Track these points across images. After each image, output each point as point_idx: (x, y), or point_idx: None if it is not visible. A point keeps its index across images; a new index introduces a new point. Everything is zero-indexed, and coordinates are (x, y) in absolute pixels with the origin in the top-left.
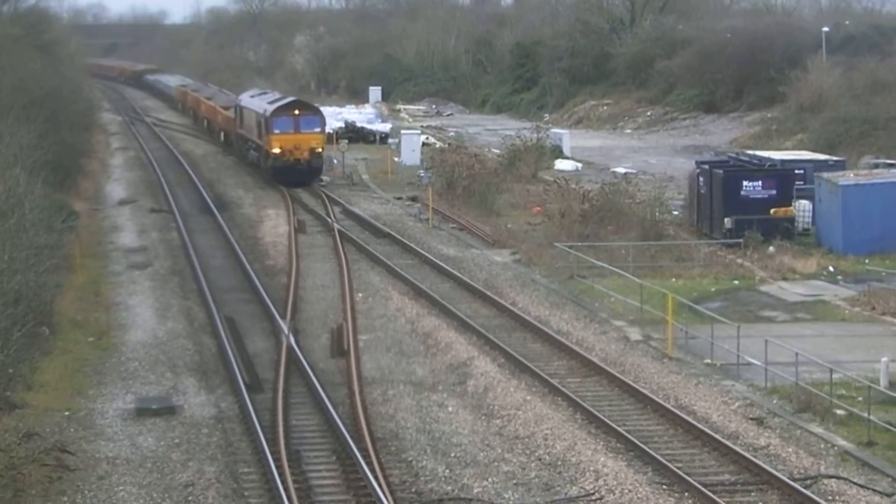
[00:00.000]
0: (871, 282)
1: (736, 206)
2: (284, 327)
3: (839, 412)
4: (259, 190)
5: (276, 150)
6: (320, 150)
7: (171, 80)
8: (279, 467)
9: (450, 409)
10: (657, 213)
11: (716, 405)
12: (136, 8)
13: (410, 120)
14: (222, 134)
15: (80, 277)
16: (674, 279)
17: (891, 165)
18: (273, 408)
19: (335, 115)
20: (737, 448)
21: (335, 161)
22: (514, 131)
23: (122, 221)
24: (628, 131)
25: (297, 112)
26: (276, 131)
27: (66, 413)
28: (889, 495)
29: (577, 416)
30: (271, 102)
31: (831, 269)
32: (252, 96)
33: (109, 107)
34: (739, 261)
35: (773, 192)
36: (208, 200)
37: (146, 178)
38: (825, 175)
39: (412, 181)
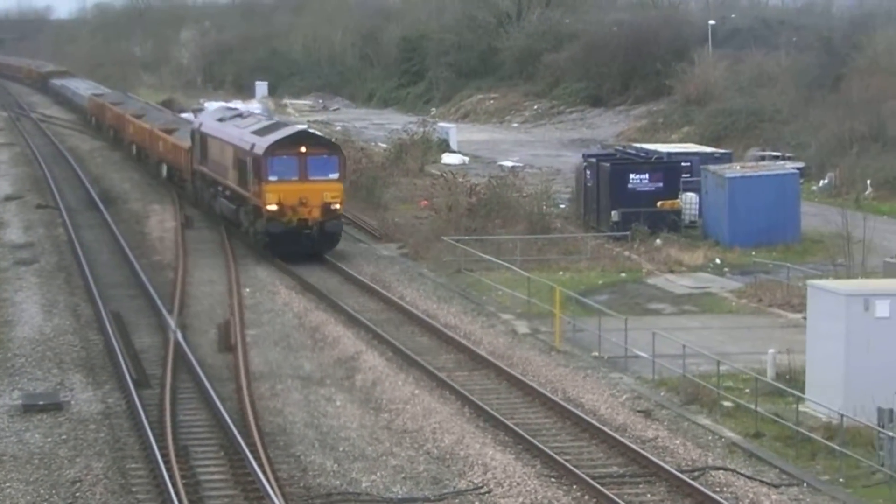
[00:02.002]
0: (758, 274)
1: (623, 199)
2: (172, 323)
3: (726, 404)
4: (146, 185)
5: (273, 207)
6: (338, 205)
7: (83, 88)
8: (167, 463)
9: (338, 403)
10: (544, 207)
11: (603, 398)
12: (21, 3)
13: (297, 115)
14: (165, 168)
15: None
16: (561, 272)
17: (776, 158)
18: (161, 403)
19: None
20: (624, 440)
21: None
22: (401, 125)
23: (7, 217)
24: (515, 125)
25: (303, 150)
26: (273, 178)
27: None
28: (776, 486)
29: (466, 410)
30: (263, 132)
31: (718, 261)
32: (223, 119)
33: None
34: (626, 253)
35: (660, 184)
36: (94, 196)
37: (32, 174)
38: (711, 168)
39: None
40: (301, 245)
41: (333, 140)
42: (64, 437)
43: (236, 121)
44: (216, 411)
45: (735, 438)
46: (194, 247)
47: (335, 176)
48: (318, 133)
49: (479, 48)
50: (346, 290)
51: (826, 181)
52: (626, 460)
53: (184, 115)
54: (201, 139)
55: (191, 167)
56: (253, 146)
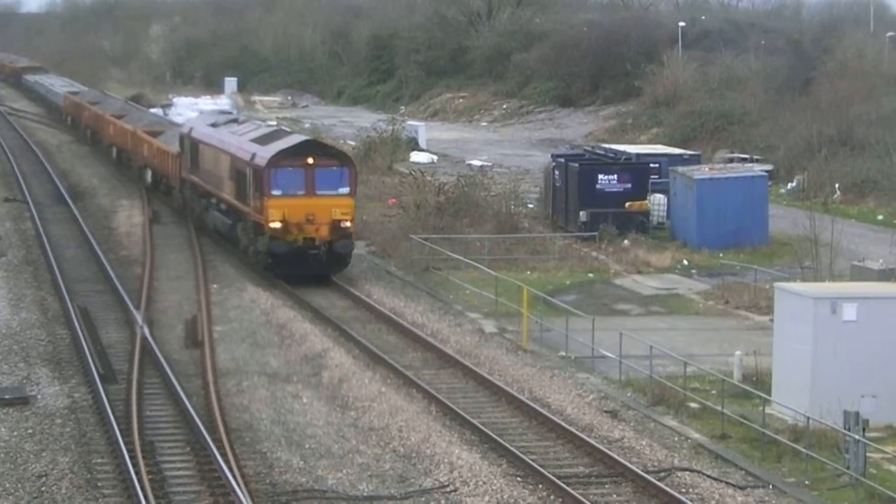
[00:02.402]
0: (725, 276)
1: (591, 200)
2: (139, 318)
3: (693, 405)
4: (114, 180)
5: (276, 224)
6: (348, 223)
7: (58, 85)
8: (133, 458)
9: (304, 400)
10: (512, 206)
11: (570, 398)
12: None
13: (266, 111)
14: (149, 174)
15: None
16: (529, 272)
17: (745, 160)
18: (127, 398)
19: (190, 106)
20: (591, 440)
21: None
22: (370, 123)
23: None
24: (484, 124)
25: (311, 161)
26: (277, 192)
27: None
28: (742, 488)
29: (432, 408)
30: (264, 141)
31: (685, 262)
32: (216, 125)
33: None
34: (594, 254)
35: (629, 185)
36: (63, 190)
37: (0, 168)
38: (680, 169)
39: None
40: (307, 266)
41: (343, 150)
42: (30, 431)
43: (232, 126)
44: (183, 407)
45: (701, 440)
46: (162, 242)
47: (345, 190)
48: (327, 143)
49: (450, 47)
50: (313, 288)
51: (794, 184)
52: (592, 460)
53: (153, 111)
54: (192, 145)
55: (179, 175)
56: (254, 156)
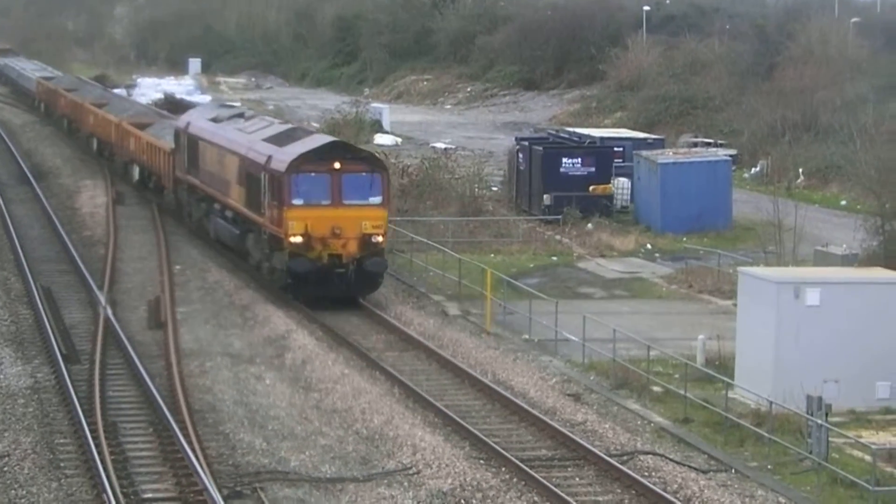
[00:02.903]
0: (689, 260)
1: (555, 183)
2: (102, 299)
3: (656, 389)
4: (77, 161)
5: (297, 239)
6: (381, 238)
7: (29, 69)
8: (95, 439)
9: (267, 381)
10: (476, 189)
11: (533, 381)
12: None
13: (230, 92)
14: (137, 170)
15: None
16: (492, 255)
17: (709, 145)
18: (90, 379)
19: (154, 87)
20: (554, 424)
21: None
22: (334, 105)
23: None
24: (448, 107)
25: (337, 166)
26: (298, 202)
27: None
28: (704, 472)
29: (395, 391)
30: (281, 141)
31: (649, 246)
32: (218, 119)
33: None
34: (558, 237)
35: (592, 169)
36: (26, 170)
37: None
38: (644, 153)
39: None
40: (332, 288)
41: (376, 154)
42: None
43: (238, 122)
44: (145, 388)
45: (664, 423)
46: (125, 223)
47: (377, 200)
48: (351, 144)
49: (414, 29)
50: None
51: (758, 169)
52: (554, 443)
53: (116, 91)
54: (190, 142)
55: (173, 174)
56: (270, 159)
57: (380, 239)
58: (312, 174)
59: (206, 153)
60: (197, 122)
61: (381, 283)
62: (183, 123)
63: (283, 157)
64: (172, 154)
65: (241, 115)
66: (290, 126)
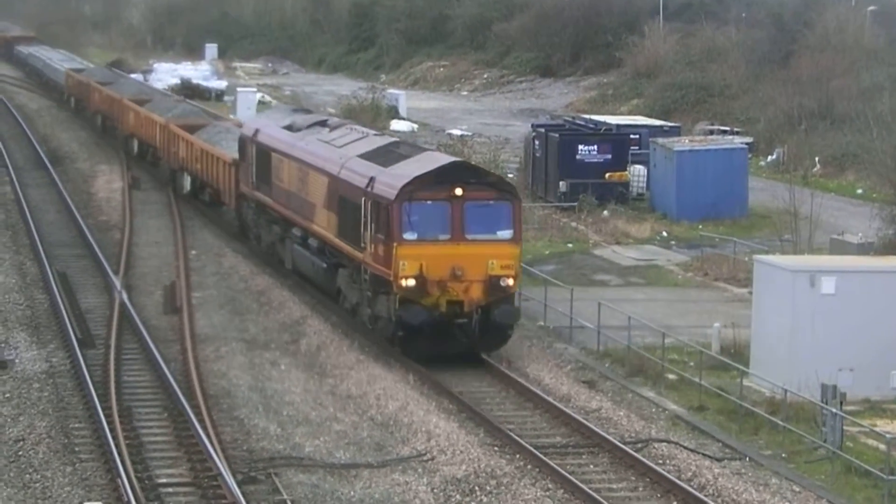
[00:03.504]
0: (704, 247)
1: (571, 170)
2: (117, 283)
3: (671, 376)
4: (93, 145)
5: (410, 282)
6: (511, 281)
7: (56, 59)
8: (110, 423)
9: (282, 367)
10: None
11: (548, 368)
12: None
13: (247, 78)
14: (188, 179)
15: None
16: None
17: (725, 132)
18: (105, 364)
19: (171, 72)
20: (568, 411)
21: None
22: (350, 91)
23: None
24: (465, 93)
25: (459, 192)
26: (411, 235)
27: None
28: (718, 460)
29: (410, 378)
30: (383, 158)
31: (665, 234)
32: (296, 128)
33: None
34: (574, 224)
35: (608, 156)
36: (42, 155)
37: None
38: (660, 140)
39: None
40: (451, 342)
41: (504, 177)
42: (7, 395)
43: (320, 132)
44: (160, 373)
45: (678, 411)
46: (141, 208)
47: (507, 234)
48: (476, 165)
49: (430, 15)
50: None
51: (774, 157)
52: (569, 430)
53: (133, 76)
54: (260, 154)
55: (236, 189)
56: (372, 182)
57: (510, 282)
58: (429, 202)
59: (282, 168)
60: (268, 129)
61: (511, 335)
62: (250, 131)
63: (392, 180)
64: (235, 165)
65: (323, 124)
66: (390, 139)
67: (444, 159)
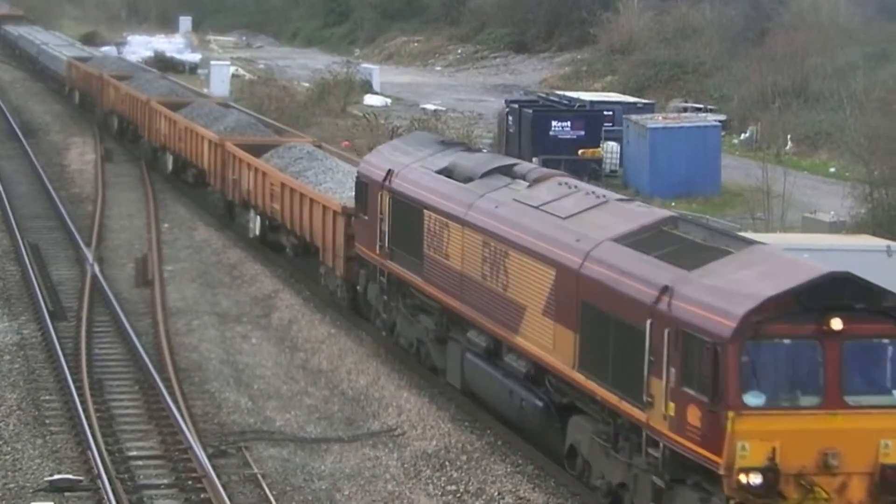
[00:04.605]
0: None
1: (544, 146)
2: (89, 256)
3: None
4: (67, 118)
5: (756, 478)
6: None
7: (53, 43)
8: (81, 396)
9: (254, 341)
10: None
11: None
12: None
13: (220, 51)
14: (257, 220)
15: None
16: None
17: (698, 110)
18: (76, 336)
19: (145, 45)
20: None
21: None
22: (324, 65)
23: None
24: (438, 68)
25: (838, 325)
26: (757, 399)
27: None
28: None
29: (381, 352)
30: (674, 247)
31: None
32: (464, 175)
33: None
34: None
35: (582, 132)
36: (15, 127)
37: None
38: (634, 117)
39: None
40: None
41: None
42: None
43: (514, 186)
44: (132, 345)
45: None
46: (114, 181)
47: None
48: (865, 280)
49: None
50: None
51: (747, 135)
52: None
53: (103, 49)
54: (397, 208)
55: (345, 248)
56: (671, 296)
57: None
58: (787, 342)
59: (447, 237)
60: (412, 173)
61: None
62: (378, 171)
63: (719, 299)
64: (348, 216)
65: (507, 170)
66: (666, 214)
67: (800, 263)
